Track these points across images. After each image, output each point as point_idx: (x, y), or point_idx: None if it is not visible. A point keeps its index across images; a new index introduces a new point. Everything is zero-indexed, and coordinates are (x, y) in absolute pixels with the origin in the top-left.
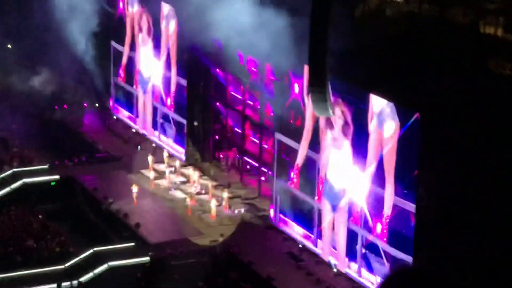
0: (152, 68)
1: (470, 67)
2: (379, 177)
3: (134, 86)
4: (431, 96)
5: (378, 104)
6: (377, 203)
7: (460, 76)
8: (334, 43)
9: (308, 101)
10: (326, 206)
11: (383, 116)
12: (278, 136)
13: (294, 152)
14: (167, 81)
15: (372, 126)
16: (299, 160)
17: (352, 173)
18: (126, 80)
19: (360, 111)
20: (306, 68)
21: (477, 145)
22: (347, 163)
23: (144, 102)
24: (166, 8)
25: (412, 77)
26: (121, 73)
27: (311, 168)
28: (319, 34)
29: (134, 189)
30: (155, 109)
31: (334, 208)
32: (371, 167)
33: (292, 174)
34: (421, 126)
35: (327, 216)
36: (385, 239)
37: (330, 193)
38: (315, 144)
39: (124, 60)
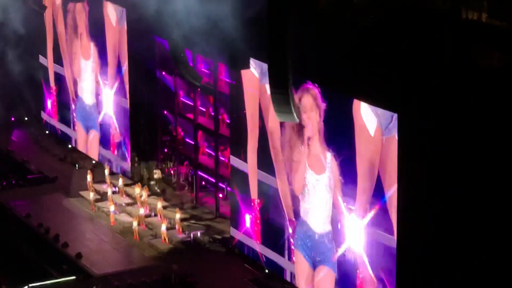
0: (100, 92)
1: (452, 58)
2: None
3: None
4: (410, 93)
5: None
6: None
7: (441, 70)
8: (296, 37)
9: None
10: (301, 260)
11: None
12: (233, 161)
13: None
14: (123, 113)
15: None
16: (254, 193)
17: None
18: (60, 115)
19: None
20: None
21: (464, 148)
22: (332, 191)
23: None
24: (113, 9)
25: (386, 73)
26: (49, 105)
27: (277, 205)
28: (278, 27)
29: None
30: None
31: (315, 263)
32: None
33: (247, 219)
34: (400, 128)
35: (302, 277)
36: None
37: (307, 239)
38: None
39: (52, 83)
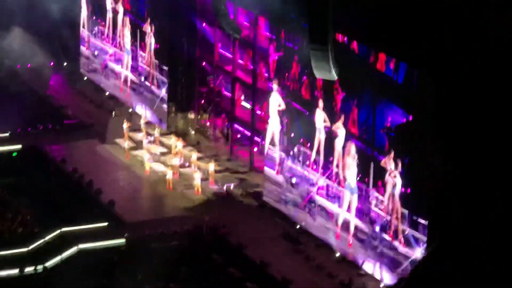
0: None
1: (483, 21)
2: None
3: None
4: (432, 50)
5: None
6: None
7: (471, 32)
8: None
9: None
10: None
11: None
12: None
13: None
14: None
15: None
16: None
17: None
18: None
19: None
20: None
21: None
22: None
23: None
24: None
25: (418, 32)
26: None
27: None
28: None
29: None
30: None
31: None
32: None
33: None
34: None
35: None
36: None
37: None
38: None
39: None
